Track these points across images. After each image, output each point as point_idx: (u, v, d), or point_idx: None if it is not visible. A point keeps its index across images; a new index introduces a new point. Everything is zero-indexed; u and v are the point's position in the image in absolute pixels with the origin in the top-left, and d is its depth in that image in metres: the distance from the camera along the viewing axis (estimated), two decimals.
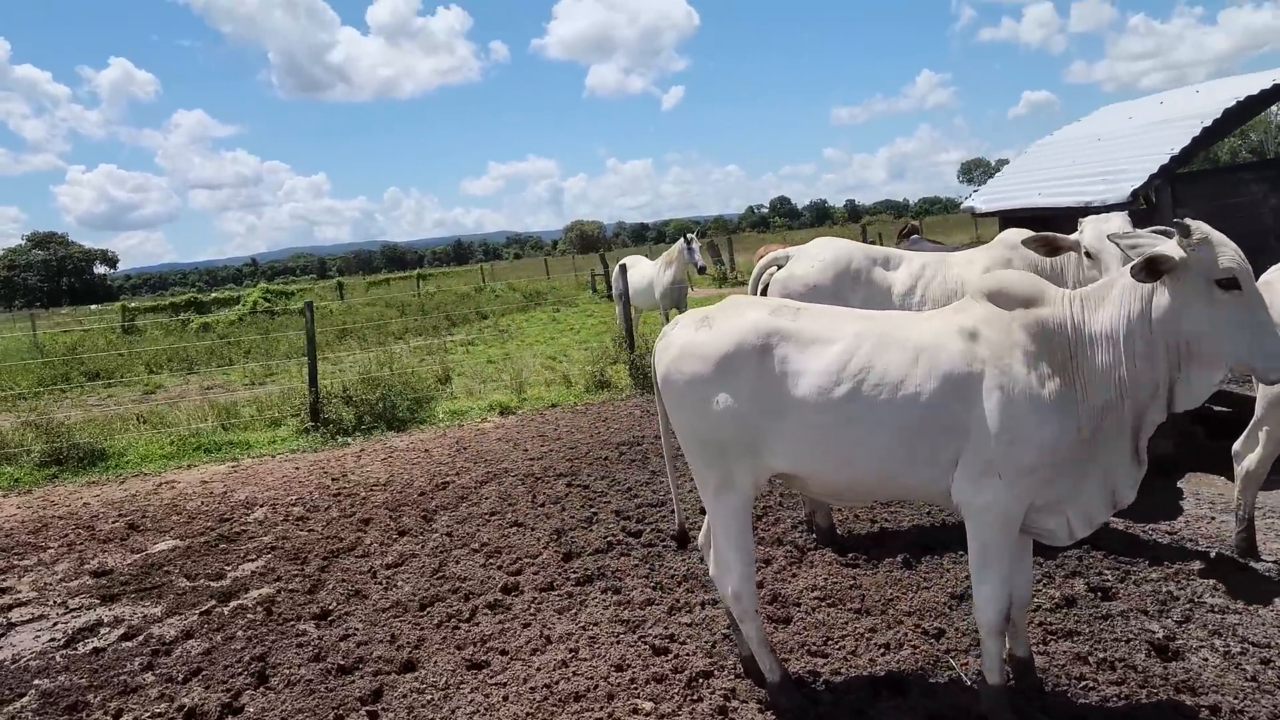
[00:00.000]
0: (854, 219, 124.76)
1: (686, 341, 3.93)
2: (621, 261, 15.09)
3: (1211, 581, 5.14)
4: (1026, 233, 5.84)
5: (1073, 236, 5.28)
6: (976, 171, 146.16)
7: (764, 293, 6.06)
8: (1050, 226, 6.02)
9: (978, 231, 38.87)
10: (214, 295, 40.61)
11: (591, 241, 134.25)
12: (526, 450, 10.03)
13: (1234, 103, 7.04)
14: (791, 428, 3.71)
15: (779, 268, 6.02)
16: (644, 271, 16.31)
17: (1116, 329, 3.52)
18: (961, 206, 9.47)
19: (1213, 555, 5.47)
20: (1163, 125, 7.51)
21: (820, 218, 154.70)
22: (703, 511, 6.95)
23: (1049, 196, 8.03)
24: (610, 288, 35.32)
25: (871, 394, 3.60)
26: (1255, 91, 7.09)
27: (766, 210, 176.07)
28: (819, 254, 5.89)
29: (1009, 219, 9.25)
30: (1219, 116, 7.00)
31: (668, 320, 18.36)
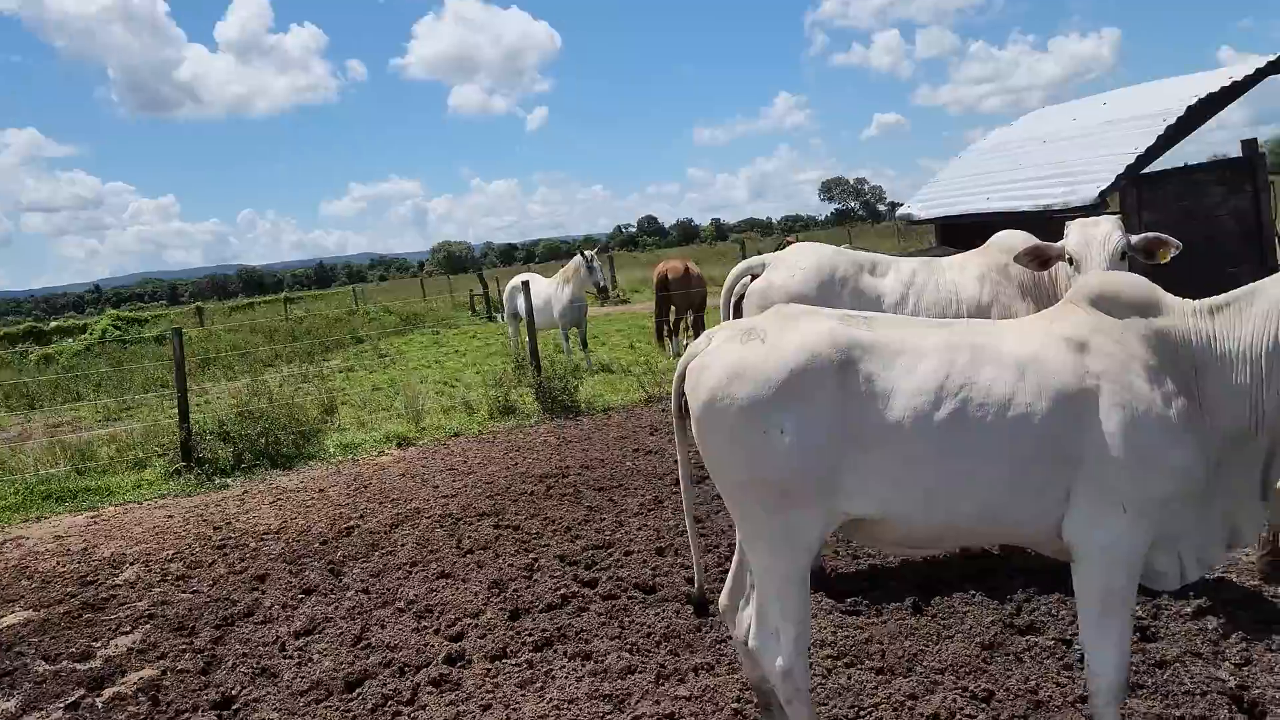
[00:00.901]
0: (721, 237, 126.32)
1: (737, 360, 3.21)
2: (519, 279, 14.20)
3: (1250, 614, 4.67)
4: (1022, 234, 5.36)
5: (1058, 244, 4.76)
6: (836, 190, 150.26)
7: (737, 305, 5.36)
8: (994, 230, 5.56)
9: (901, 242, 39.48)
10: (55, 324, 37.56)
11: (460, 262, 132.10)
12: (437, 487, 9.05)
13: (1195, 100, 6.75)
14: (881, 461, 3.09)
15: (753, 277, 5.33)
16: (540, 290, 15.54)
17: (1259, 349, 2.96)
18: (898, 214, 9.03)
19: (1237, 581, 5.01)
20: (1116, 125, 7.19)
21: (688, 236, 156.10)
22: (661, 553, 6.29)
23: (1000, 201, 7.63)
24: (491, 307, 34.39)
25: (978, 416, 3.04)
26: (1216, 89, 6.82)
27: (634, 229, 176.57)
28: (799, 261, 5.22)
29: (950, 226, 8.87)
30: (1182, 114, 6.70)
31: (568, 340, 17.73)
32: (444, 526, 7.63)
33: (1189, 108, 6.67)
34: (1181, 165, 7.20)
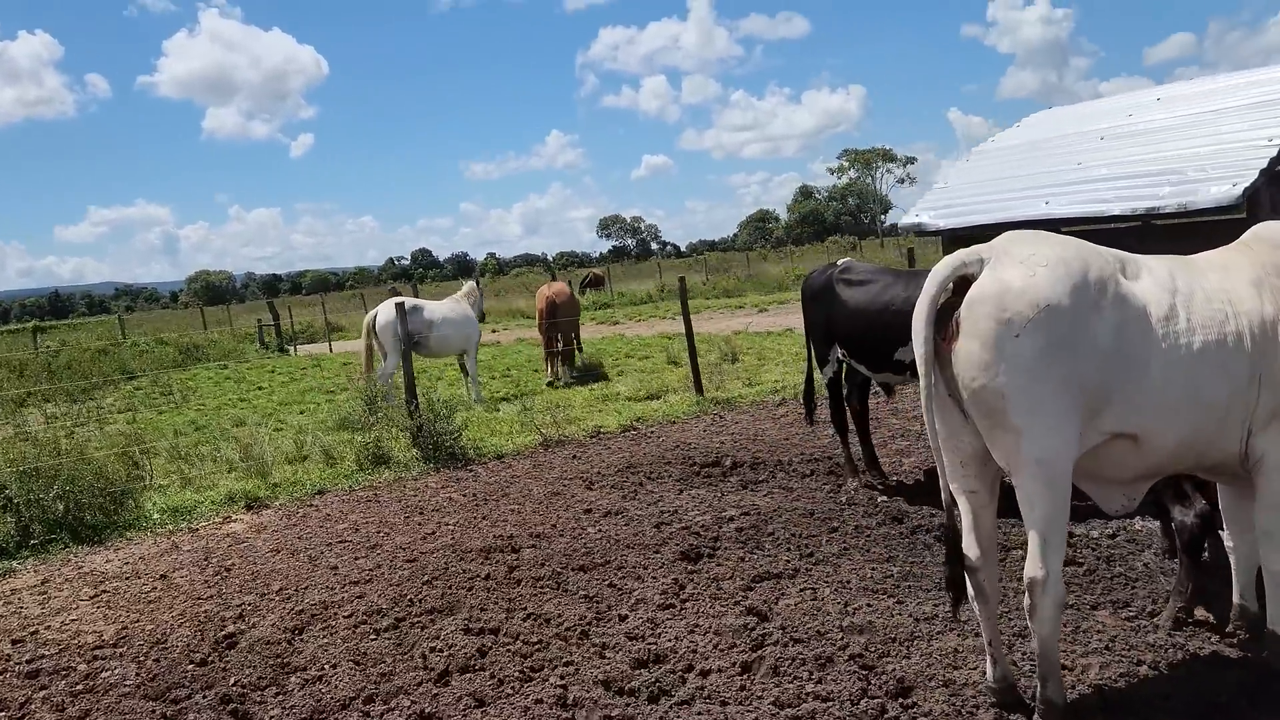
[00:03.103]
0: (501, 272, 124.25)
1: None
2: (396, 301, 11.87)
3: None
4: None
5: None
6: (614, 227, 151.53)
7: (940, 316, 3.65)
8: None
9: (861, 253, 38.75)
10: None
11: (220, 293, 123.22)
12: (336, 568, 6.75)
13: None
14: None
15: (966, 278, 3.64)
16: (440, 311, 14.06)
17: None
18: (902, 223, 7.66)
19: None
20: (1224, 116, 6.07)
21: (463, 270, 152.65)
22: (748, 669, 4.30)
23: (1068, 205, 6.37)
24: (284, 339, 30.92)
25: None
26: None
27: (408, 262, 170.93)
28: (1039, 253, 3.59)
29: (960, 238, 7.57)
30: None
31: (465, 371, 15.55)
32: (382, 631, 5.44)
33: None
34: None
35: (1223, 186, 5.47)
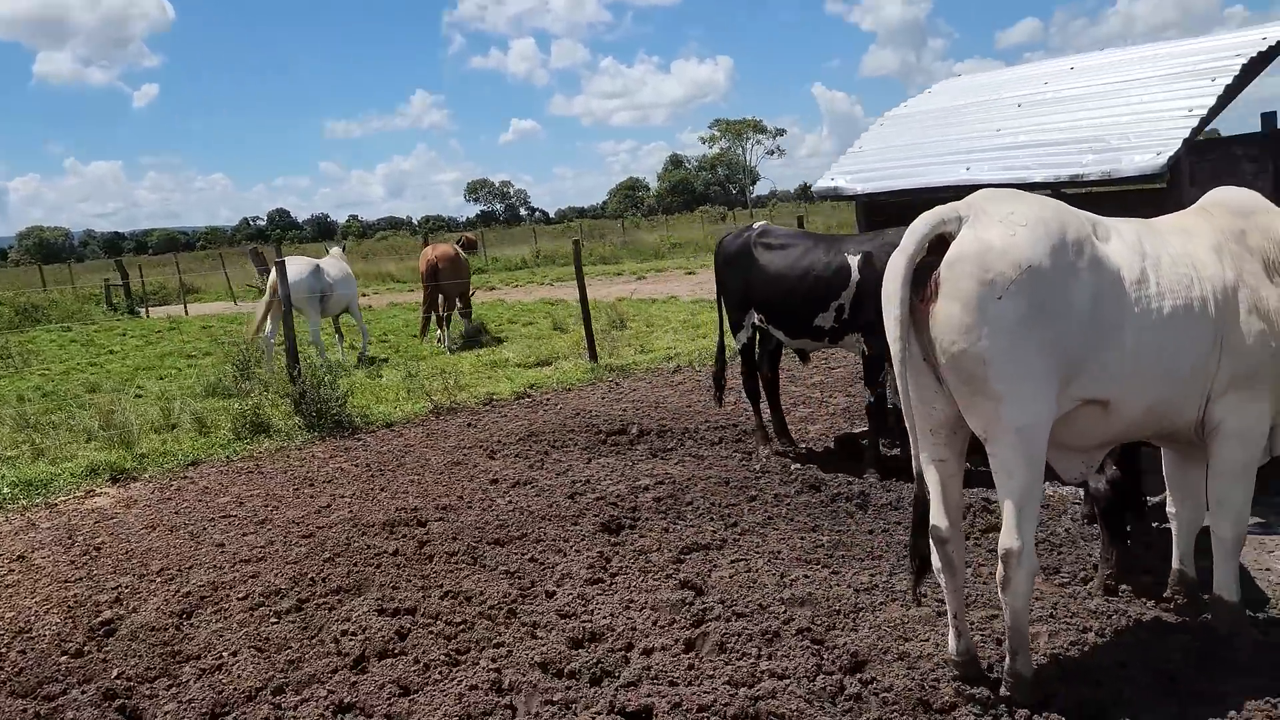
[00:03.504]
0: (364, 235, 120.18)
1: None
2: (278, 260, 11.10)
3: None
4: (1248, 191, 3.99)
5: None
6: (482, 191, 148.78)
7: (915, 276, 3.47)
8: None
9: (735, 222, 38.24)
10: None
11: (55, 250, 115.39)
12: (223, 545, 6.22)
13: (1246, 59, 5.83)
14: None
15: (943, 236, 3.46)
16: (331, 270, 13.57)
17: None
18: (817, 187, 7.51)
19: None
20: (1145, 86, 6.13)
21: (324, 232, 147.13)
22: (692, 646, 4.06)
23: (992, 171, 6.34)
24: (134, 300, 29.00)
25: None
26: (1254, 52, 5.92)
27: (265, 223, 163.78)
28: (1018, 212, 3.44)
29: (882, 204, 7.51)
30: (1237, 74, 5.73)
31: (341, 334, 14.93)
32: (284, 614, 5.00)
33: (1243, 66, 5.72)
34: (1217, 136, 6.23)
35: (1146, 155, 5.50)
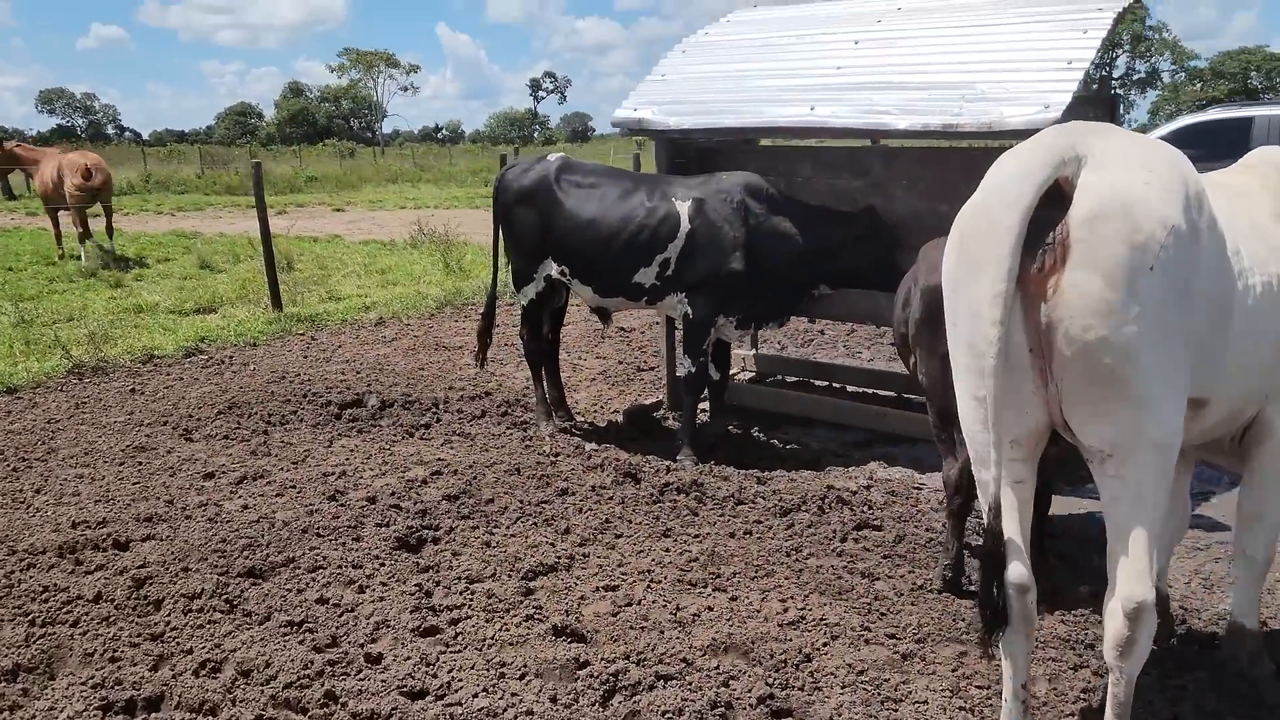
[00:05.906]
0: None
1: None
2: None
3: None
4: None
5: None
6: (59, 102, 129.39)
7: (1030, 233, 2.47)
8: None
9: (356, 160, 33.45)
10: None
11: None
12: None
13: (1115, 13, 5.48)
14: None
15: (1067, 181, 2.48)
16: None
17: None
18: (617, 117, 6.35)
19: None
20: (1001, 31, 5.62)
21: None
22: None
23: (846, 116, 5.56)
24: None
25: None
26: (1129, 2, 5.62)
27: None
28: (1133, 152, 2.55)
29: (687, 142, 6.51)
30: (1110, 26, 5.35)
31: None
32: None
33: (1114, 20, 5.33)
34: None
35: (1031, 109, 4.95)
